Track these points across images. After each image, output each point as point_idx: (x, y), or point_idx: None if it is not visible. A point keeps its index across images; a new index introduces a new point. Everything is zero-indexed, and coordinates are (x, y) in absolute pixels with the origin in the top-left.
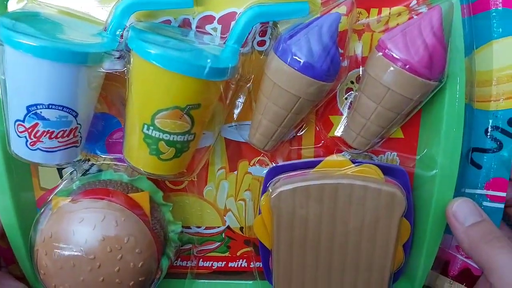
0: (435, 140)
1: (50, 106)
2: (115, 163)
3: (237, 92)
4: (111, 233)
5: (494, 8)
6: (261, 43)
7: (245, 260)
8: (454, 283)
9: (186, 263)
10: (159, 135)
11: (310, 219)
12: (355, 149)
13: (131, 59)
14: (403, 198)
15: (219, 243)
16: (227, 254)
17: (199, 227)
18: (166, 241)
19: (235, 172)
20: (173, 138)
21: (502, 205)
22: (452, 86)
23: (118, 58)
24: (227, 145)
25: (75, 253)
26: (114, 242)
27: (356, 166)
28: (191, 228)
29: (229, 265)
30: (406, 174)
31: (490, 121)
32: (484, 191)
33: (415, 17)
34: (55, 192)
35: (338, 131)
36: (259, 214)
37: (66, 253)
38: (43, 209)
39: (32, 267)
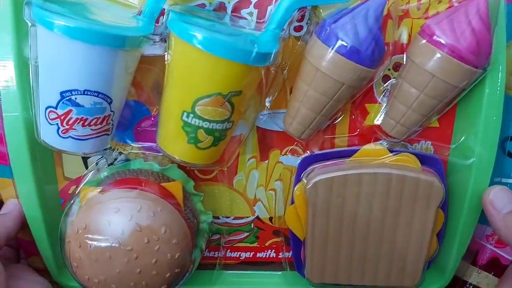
0: (472, 129)
1: (86, 92)
2: (143, 151)
3: (275, 79)
4: (148, 223)
5: None
6: (298, 29)
7: (273, 250)
8: (482, 272)
9: (214, 254)
10: (199, 123)
11: (346, 209)
12: (393, 138)
13: (172, 43)
14: (441, 187)
15: (248, 233)
16: (255, 244)
17: (228, 217)
18: (198, 232)
19: (266, 162)
20: (213, 126)
21: None
22: (493, 74)
23: (158, 42)
24: (258, 134)
25: (112, 245)
26: (151, 233)
27: (394, 155)
28: (220, 219)
29: (257, 256)
30: (441, 163)
31: None
32: None
33: (455, 4)
34: (84, 183)
35: (378, 120)
36: (292, 204)
37: (102, 244)
38: (72, 201)
39: (55, 259)
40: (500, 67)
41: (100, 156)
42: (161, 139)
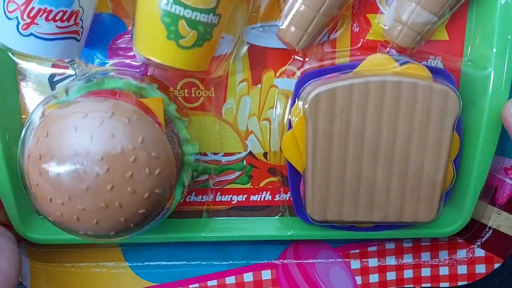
0: (486, 38)
1: None
2: (119, 68)
3: None
4: (121, 131)
5: None
6: None
7: (269, 192)
8: (502, 212)
9: (202, 198)
10: (180, 11)
11: (351, 126)
12: (399, 46)
13: None
14: (456, 97)
15: (240, 172)
16: (248, 185)
17: (216, 153)
18: (181, 164)
19: (259, 86)
20: (196, 16)
21: None
22: None
23: None
24: (250, 51)
25: (78, 153)
26: (126, 141)
27: (401, 64)
28: (207, 155)
29: (251, 199)
30: (454, 80)
31: None
32: None
33: None
34: (45, 102)
35: (385, 25)
36: (289, 129)
37: (66, 164)
38: (27, 124)
39: (18, 211)
40: None
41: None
42: (136, 40)
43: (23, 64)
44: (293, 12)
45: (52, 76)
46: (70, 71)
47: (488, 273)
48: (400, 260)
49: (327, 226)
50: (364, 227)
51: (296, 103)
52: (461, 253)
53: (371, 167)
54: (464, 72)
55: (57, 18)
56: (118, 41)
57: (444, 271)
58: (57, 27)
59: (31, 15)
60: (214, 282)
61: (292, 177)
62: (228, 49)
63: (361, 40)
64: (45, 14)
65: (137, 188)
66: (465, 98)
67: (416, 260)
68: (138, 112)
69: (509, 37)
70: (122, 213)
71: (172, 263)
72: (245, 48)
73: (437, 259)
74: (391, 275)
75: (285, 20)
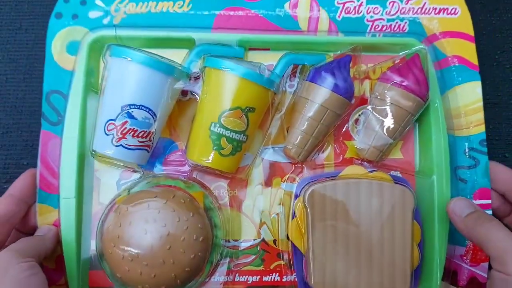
0: (428, 155)
1: (141, 107)
2: (170, 173)
3: (273, 117)
4: (179, 207)
5: (452, 64)
6: (290, 86)
7: (278, 274)
8: None
9: (225, 279)
10: (223, 131)
11: (339, 212)
12: (369, 160)
13: (205, 75)
14: (412, 193)
15: (255, 256)
16: (261, 268)
17: (236, 240)
18: (212, 244)
19: (270, 188)
20: (232, 135)
21: (490, 211)
22: (435, 115)
23: (195, 79)
24: (263, 165)
25: (148, 221)
26: (182, 214)
27: (371, 172)
28: (229, 242)
29: (263, 280)
30: (409, 183)
31: (466, 143)
32: (473, 202)
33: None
34: (116, 196)
35: (357, 146)
36: (293, 218)
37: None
38: (106, 211)
39: (78, 282)
40: (439, 110)
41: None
42: (189, 151)
43: (100, 170)
44: (294, 136)
45: (119, 180)
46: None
47: None
48: None
49: None
50: None
51: (297, 198)
52: None
53: (355, 247)
54: (417, 180)
55: (139, 135)
56: (172, 156)
57: None
58: (138, 141)
59: (123, 132)
60: None
61: (296, 257)
62: (249, 162)
63: (341, 156)
64: (132, 132)
65: (187, 249)
66: (420, 199)
67: None
68: (188, 197)
69: (443, 156)
70: (174, 269)
71: None
72: (261, 162)
73: None
74: None
75: (288, 142)
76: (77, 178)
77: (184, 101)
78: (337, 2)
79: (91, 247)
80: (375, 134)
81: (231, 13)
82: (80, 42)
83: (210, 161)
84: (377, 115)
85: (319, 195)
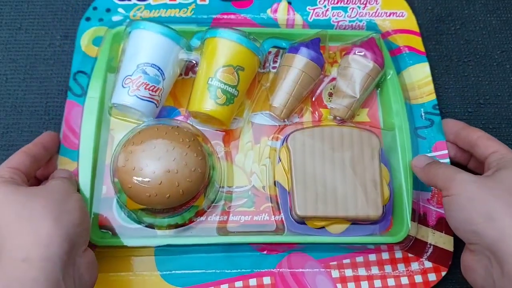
0: (389, 117)
1: (153, 65)
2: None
3: (260, 87)
4: (181, 129)
5: (404, 52)
6: (274, 68)
7: (267, 214)
8: (436, 232)
9: (219, 218)
10: (218, 84)
11: (317, 151)
12: (341, 119)
13: (205, 45)
14: (377, 137)
15: (246, 199)
16: (252, 209)
17: (230, 186)
18: (209, 182)
19: (258, 145)
20: (226, 88)
21: (448, 160)
22: (392, 84)
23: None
24: (253, 126)
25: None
26: (184, 136)
27: (340, 123)
28: (224, 188)
29: (254, 219)
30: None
31: (422, 109)
32: (433, 154)
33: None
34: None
35: (329, 105)
36: (278, 163)
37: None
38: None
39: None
40: (395, 82)
41: None
42: (191, 104)
43: (115, 129)
44: (277, 96)
45: None
46: None
47: (439, 280)
48: (369, 271)
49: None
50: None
51: (281, 146)
52: (414, 265)
53: (332, 178)
54: (383, 134)
55: (150, 89)
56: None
57: (405, 280)
58: (149, 94)
59: (138, 85)
60: (225, 286)
61: (283, 194)
62: (240, 125)
63: (316, 115)
64: (144, 85)
65: (188, 162)
66: (386, 152)
67: (381, 271)
68: (192, 128)
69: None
70: (177, 178)
71: (193, 271)
72: (251, 125)
73: (397, 271)
74: (364, 285)
75: (273, 100)
76: (96, 132)
77: (186, 79)
78: (308, 8)
79: (102, 191)
80: (343, 95)
81: (225, 16)
82: (104, 36)
83: (208, 108)
84: (343, 80)
85: (300, 139)
